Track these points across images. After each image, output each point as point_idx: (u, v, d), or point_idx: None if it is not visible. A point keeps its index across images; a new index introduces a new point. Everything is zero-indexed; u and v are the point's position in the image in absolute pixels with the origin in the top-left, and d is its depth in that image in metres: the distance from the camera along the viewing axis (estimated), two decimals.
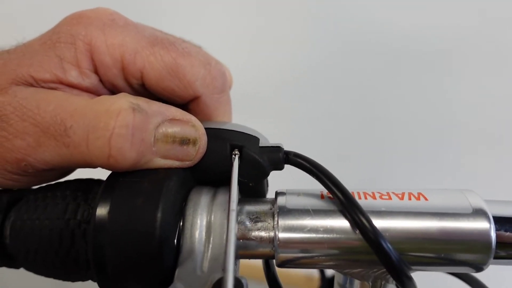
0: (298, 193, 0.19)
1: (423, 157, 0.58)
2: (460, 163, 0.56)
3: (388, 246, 0.17)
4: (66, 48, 0.20)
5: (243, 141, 0.20)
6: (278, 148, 0.20)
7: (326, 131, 0.60)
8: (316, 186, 0.20)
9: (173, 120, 0.20)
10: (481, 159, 0.56)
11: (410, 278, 0.17)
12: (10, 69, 0.19)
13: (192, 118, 0.20)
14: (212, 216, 0.19)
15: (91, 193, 0.20)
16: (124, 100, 0.19)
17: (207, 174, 0.21)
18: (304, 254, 0.18)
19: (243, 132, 0.21)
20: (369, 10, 0.56)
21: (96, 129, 0.18)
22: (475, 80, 0.54)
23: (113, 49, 0.20)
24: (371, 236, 0.17)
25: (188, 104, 0.23)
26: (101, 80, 0.21)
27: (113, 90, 0.22)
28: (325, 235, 0.18)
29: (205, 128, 0.21)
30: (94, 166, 0.19)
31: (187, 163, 0.20)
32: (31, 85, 0.19)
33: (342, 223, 0.18)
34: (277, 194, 0.20)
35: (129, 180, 0.19)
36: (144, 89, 0.22)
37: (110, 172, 0.20)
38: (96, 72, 0.21)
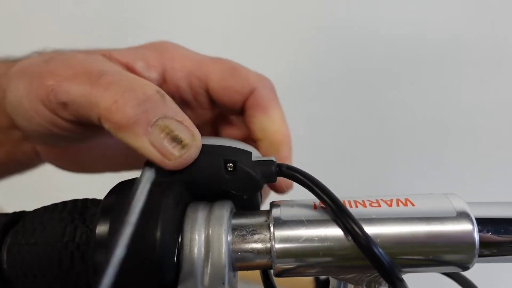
0: (292, 205, 0.20)
1: (426, 159, 0.58)
2: (462, 164, 0.56)
3: (379, 251, 0.18)
4: (142, 48, 0.27)
5: (237, 156, 0.21)
6: (270, 162, 0.21)
7: (326, 132, 0.60)
8: (308, 196, 0.21)
9: (180, 122, 0.21)
10: (480, 159, 0.56)
11: (402, 280, 0.18)
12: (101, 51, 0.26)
13: (196, 131, 0.21)
14: (210, 231, 0.19)
15: (89, 214, 0.20)
16: (153, 86, 0.22)
17: (202, 189, 0.21)
18: (301, 263, 0.19)
19: (236, 147, 0.22)
20: (372, 12, 0.56)
21: (122, 82, 0.21)
22: (478, 81, 0.54)
23: (181, 58, 0.27)
24: (363, 242, 0.18)
25: (246, 100, 0.27)
26: (164, 81, 0.27)
27: (173, 92, 0.27)
28: (320, 244, 0.19)
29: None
30: (95, 114, 0.21)
31: (167, 162, 0.20)
32: (109, 59, 0.25)
33: (335, 231, 0.19)
34: (272, 206, 0.20)
35: (126, 200, 0.19)
36: (203, 91, 0.27)
37: (106, 191, 0.20)
38: (162, 72, 0.27)
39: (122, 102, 0.20)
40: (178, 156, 0.20)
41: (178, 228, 0.19)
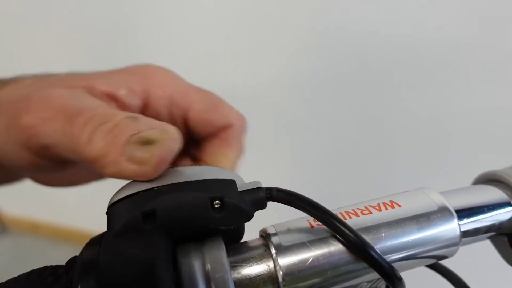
0: (288, 228, 0.20)
1: (425, 159, 0.60)
2: (460, 164, 0.59)
3: (380, 257, 0.18)
4: (127, 73, 0.26)
5: (222, 190, 0.19)
6: (258, 190, 0.20)
7: (327, 134, 0.60)
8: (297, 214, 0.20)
9: (152, 128, 0.20)
10: (480, 160, 0.59)
11: (400, 279, 0.19)
12: (84, 79, 0.25)
13: (170, 127, 0.21)
14: (210, 274, 0.18)
15: (60, 275, 0.18)
16: (128, 114, 0.21)
17: (190, 230, 0.19)
18: (310, 286, 0.18)
19: (218, 178, 0.20)
20: (372, 16, 0.57)
21: (96, 117, 0.21)
22: (476, 84, 0.58)
23: (165, 85, 0.26)
24: (365, 252, 0.18)
25: (219, 131, 0.27)
26: (146, 107, 0.26)
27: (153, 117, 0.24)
28: (326, 263, 0.18)
29: (179, 183, 0.19)
30: (76, 155, 0.21)
31: (144, 169, 0.19)
32: (90, 92, 0.24)
33: (337, 246, 0.19)
34: (268, 234, 0.20)
35: (110, 251, 0.17)
36: (181, 120, 0.27)
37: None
38: (145, 98, 0.26)
39: (94, 138, 0.20)
40: (150, 157, 0.19)
41: (172, 275, 0.17)
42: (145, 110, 0.27)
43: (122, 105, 0.25)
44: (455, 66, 0.60)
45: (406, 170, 0.64)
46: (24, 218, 1.59)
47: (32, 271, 0.18)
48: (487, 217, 0.22)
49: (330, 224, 0.19)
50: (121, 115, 0.21)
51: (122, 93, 0.25)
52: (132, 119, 0.21)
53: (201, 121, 0.27)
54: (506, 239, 0.23)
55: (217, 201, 0.19)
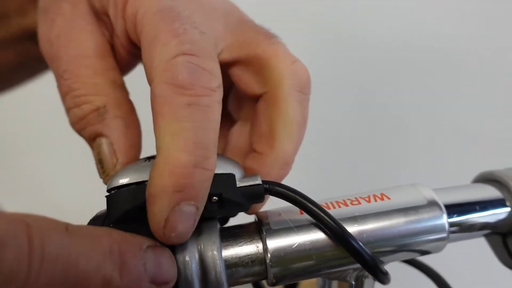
0: (279, 213, 0.21)
1: (424, 159, 0.60)
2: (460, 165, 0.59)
3: (361, 247, 0.19)
4: None
5: (221, 185, 0.19)
6: (257, 186, 0.20)
7: (325, 134, 0.60)
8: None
9: (111, 145, 0.21)
10: (480, 161, 0.59)
11: (386, 273, 0.20)
12: None
13: (120, 160, 0.21)
14: (203, 252, 0.19)
15: None
16: (102, 97, 0.21)
17: None
18: (295, 270, 0.20)
19: (218, 173, 0.20)
20: (372, 17, 0.57)
21: (74, 95, 0.21)
22: (475, 85, 0.57)
23: (134, 2, 0.20)
24: (346, 240, 0.19)
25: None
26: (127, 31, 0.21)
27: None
28: (311, 248, 0.19)
29: None
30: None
31: (102, 179, 0.21)
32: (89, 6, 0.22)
33: (322, 234, 0.20)
34: (260, 218, 0.21)
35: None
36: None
37: None
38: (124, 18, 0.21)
39: (70, 116, 0.22)
40: (103, 178, 0.21)
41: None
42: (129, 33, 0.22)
43: (110, 28, 0.23)
44: (456, 67, 0.59)
45: (405, 169, 0.64)
46: None
47: None
48: (480, 215, 0.22)
49: (313, 213, 0.19)
50: (91, 105, 0.21)
51: (110, 11, 0.22)
52: (100, 114, 0.21)
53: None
54: (500, 238, 0.23)
55: (215, 198, 0.19)
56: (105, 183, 0.21)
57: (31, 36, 0.28)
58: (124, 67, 0.24)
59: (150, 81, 0.18)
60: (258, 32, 0.23)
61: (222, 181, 0.19)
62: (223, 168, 0.20)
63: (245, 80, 0.22)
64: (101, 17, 0.23)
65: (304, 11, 0.60)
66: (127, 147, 0.21)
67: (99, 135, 0.21)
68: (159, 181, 0.17)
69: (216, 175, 0.19)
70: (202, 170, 0.17)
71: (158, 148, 0.17)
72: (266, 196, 0.21)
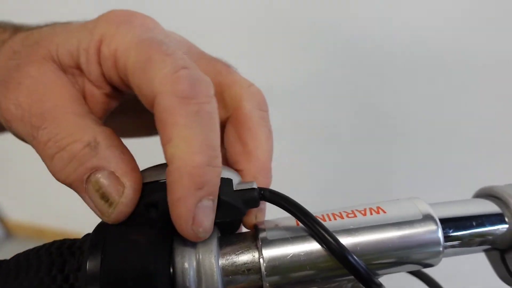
0: (276, 224, 0.21)
1: (425, 162, 0.60)
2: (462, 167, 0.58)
3: (355, 259, 0.19)
4: (86, 30, 0.22)
5: (219, 189, 0.20)
6: (252, 190, 0.21)
7: (325, 136, 0.61)
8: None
9: (112, 174, 0.20)
10: (481, 162, 0.58)
11: (379, 285, 0.20)
12: (45, 43, 0.22)
13: (128, 182, 0.20)
14: (200, 259, 0.20)
15: (75, 249, 0.20)
16: (90, 133, 0.20)
17: None
18: (290, 279, 0.20)
19: None
20: (373, 17, 0.57)
21: (57, 140, 0.20)
22: (476, 86, 0.57)
23: (111, 42, 0.21)
24: (339, 253, 0.19)
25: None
26: (103, 74, 0.22)
27: (113, 85, 0.23)
28: (306, 259, 0.20)
29: None
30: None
31: (105, 219, 0.20)
32: (56, 64, 0.22)
33: (318, 246, 0.20)
34: (257, 228, 0.21)
35: (116, 236, 0.20)
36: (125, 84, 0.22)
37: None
38: (99, 63, 0.22)
39: (54, 164, 0.20)
40: (111, 213, 0.20)
41: (168, 260, 0.20)
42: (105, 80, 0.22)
43: (85, 76, 0.23)
44: (457, 69, 0.58)
45: (407, 175, 0.63)
46: (29, 223, 1.55)
47: (54, 242, 0.21)
48: (478, 230, 0.22)
49: (311, 227, 0.20)
50: (80, 143, 0.20)
51: (82, 60, 0.22)
52: (92, 148, 0.20)
53: (135, 89, 0.20)
54: (498, 254, 0.23)
55: None
56: (114, 218, 0.20)
57: None
58: (100, 114, 0.24)
59: (150, 98, 0.19)
60: (216, 63, 0.25)
61: (221, 185, 0.20)
62: (222, 173, 0.21)
63: None
64: (70, 71, 0.22)
65: (305, 14, 0.60)
66: (130, 171, 0.20)
67: (95, 170, 0.20)
68: (181, 184, 0.18)
69: None
70: (214, 168, 0.19)
71: (171, 154, 0.18)
72: (262, 203, 0.22)
